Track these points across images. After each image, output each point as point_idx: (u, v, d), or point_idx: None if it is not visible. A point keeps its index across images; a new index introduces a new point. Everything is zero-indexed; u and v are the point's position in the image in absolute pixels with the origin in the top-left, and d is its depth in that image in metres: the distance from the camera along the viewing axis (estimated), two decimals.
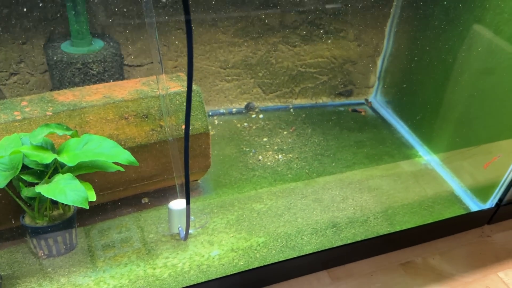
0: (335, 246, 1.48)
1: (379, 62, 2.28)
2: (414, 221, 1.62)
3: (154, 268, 1.39)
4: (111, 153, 1.23)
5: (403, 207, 1.68)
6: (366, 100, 2.36)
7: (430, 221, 1.62)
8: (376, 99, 2.37)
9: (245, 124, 2.15)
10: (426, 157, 1.99)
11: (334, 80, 2.29)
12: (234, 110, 2.26)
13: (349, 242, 1.50)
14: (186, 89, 1.00)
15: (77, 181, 1.17)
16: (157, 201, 1.67)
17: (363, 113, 2.25)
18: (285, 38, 2.11)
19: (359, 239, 1.52)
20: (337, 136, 2.08)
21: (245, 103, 2.27)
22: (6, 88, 1.85)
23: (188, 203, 1.29)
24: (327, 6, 2.04)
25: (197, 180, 1.77)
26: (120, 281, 1.34)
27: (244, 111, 2.25)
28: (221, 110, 2.24)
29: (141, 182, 1.57)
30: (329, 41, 2.14)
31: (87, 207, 1.16)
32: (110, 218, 1.57)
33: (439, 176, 1.88)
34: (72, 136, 1.27)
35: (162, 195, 1.68)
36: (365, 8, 2.08)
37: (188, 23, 0.83)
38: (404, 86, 2.19)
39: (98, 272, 1.37)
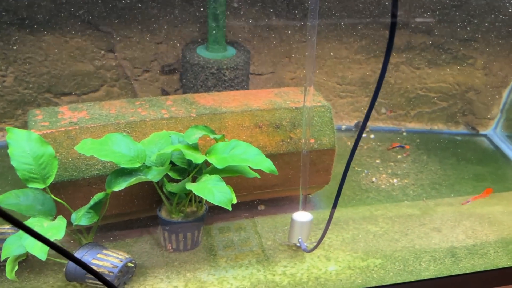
0: (453, 274, 1.52)
1: (505, 94, 2.28)
2: None
3: (274, 275, 1.50)
4: (255, 160, 1.35)
5: None
6: (473, 128, 2.35)
7: None
8: (496, 132, 2.36)
9: None
10: None
11: (453, 108, 2.31)
12: (343, 127, 2.34)
13: (468, 272, 1.53)
14: (368, 107, 1.08)
15: (223, 183, 1.30)
16: (272, 209, 1.78)
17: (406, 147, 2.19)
18: (409, 59, 2.17)
19: (478, 270, 1.54)
20: (455, 166, 2.10)
21: (355, 121, 2.34)
22: (137, 84, 2.05)
23: (330, 218, 1.38)
24: (459, 31, 2.07)
25: (310, 194, 1.87)
26: (242, 282, 1.45)
27: (353, 129, 2.32)
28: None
29: (264, 190, 1.68)
30: (455, 67, 2.17)
31: (230, 209, 1.28)
32: (229, 220, 1.70)
33: None
34: (219, 140, 1.40)
35: (277, 204, 1.79)
36: (499, 37, 2.09)
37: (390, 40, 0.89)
38: None
39: (221, 271, 1.49)
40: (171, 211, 1.45)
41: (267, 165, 1.35)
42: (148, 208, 1.54)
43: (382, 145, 2.21)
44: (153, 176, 1.28)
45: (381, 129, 2.34)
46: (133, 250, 1.51)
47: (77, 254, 1.30)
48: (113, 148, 1.24)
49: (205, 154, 1.35)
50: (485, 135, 2.36)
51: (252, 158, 1.34)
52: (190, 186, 1.27)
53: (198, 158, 1.28)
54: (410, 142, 2.25)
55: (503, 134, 2.33)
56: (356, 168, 2.04)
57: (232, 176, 1.38)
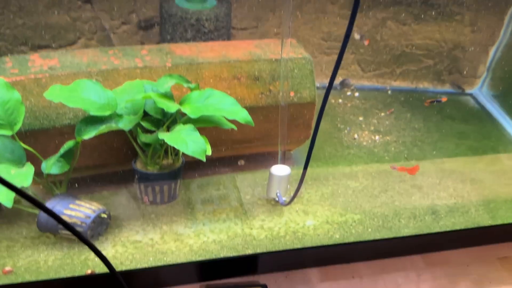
0: (433, 232, 1.52)
1: (491, 52, 2.25)
2: None
3: (251, 228, 1.49)
4: (230, 110, 1.32)
5: (506, 202, 1.68)
6: (459, 86, 2.33)
7: None
8: (481, 91, 2.34)
9: (340, 100, 2.20)
10: None
11: (440, 66, 2.28)
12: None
13: (448, 230, 1.53)
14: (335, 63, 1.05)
15: (197, 133, 1.27)
16: (252, 165, 1.76)
17: (443, 100, 2.18)
18: (395, 14, 2.12)
19: (459, 228, 1.54)
20: (438, 124, 2.08)
21: (341, 79, 2.31)
22: (116, 37, 2.00)
23: (305, 167, 1.36)
24: None
25: (290, 150, 1.85)
26: (219, 236, 1.45)
27: (338, 88, 2.29)
28: (316, 84, 2.30)
29: (243, 144, 1.66)
30: (443, 23, 2.13)
31: (204, 160, 1.25)
32: (208, 175, 1.68)
33: None
34: (193, 89, 1.37)
35: (257, 160, 1.77)
36: None
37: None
38: None
39: (198, 224, 1.48)
40: (146, 163, 1.43)
41: (243, 116, 1.32)
42: (123, 161, 1.51)
43: (366, 103, 2.19)
44: (124, 124, 1.24)
45: (366, 87, 2.31)
46: (108, 203, 1.50)
47: (49, 204, 1.28)
48: (83, 95, 1.21)
49: (179, 104, 1.32)
50: (470, 94, 2.35)
51: (227, 108, 1.32)
52: (162, 135, 1.24)
53: (171, 107, 1.25)
54: (394, 100, 2.23)
55: (488, 93, 2.31)
56: (338, 125, 2.03)
57: (207, 127, 1.35)
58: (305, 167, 1.33)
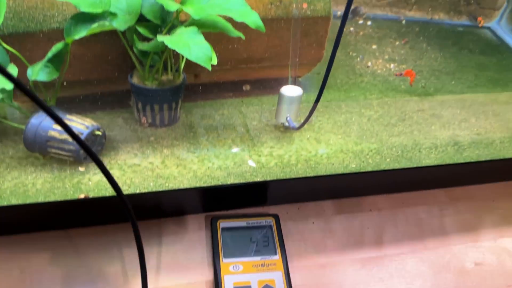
0: (457, 162, 1.41)
1: None
2: None
3: (260, 155, 1.36)
4: (239, 11, 1.15)
5: None
6: (477, 19, 2.18)
7: None
8: (500, 25, 2.19)
9: (351, 29, 2.04)
10: None
11: None
12: (338, 13, 2.14)
13: (472, 161, 1.42)
14: None
15: (201, 36, 1.11)
16: (258, 91, 1.62)
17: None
18: None
19: (484, 160, 1.43)
20: (456, 55, 1.94)
21: (352, 7, 2.14)
22: None
23: (324, 82, 1.22)
24: None
25: (299, 76, 1.70)
26: (225, 162, 1.31)
27: (350, 16, 2.12)
28: None
29: (249, 64, 1.51)
30: None
31: (210, 68, 1.10)
32: (211, 99, 1.53)
33: None
34: None
35: (264, 85, 1.62)
36: None
37: None
38: None
39: (201, 149, 1.34)
40: (143, 77, 1.27)
41: (253, 19, 1.16)
42: (119, 77, 1.35)
43: (379, 32, 2.03)
44: (119, 23, 1.08)
45: (378, 16, 2.15)
46: (103, 124, 1.34)
47: (35, 119, 1.12)
48: None
49: (180, 4, 1.15)
50: (488, 28, 2.20)
51: (235, 8, 1.15)
52: (162, 38, 1.07)
53: (171, 5, 1.08)
54: (409, 31, 2.07)
55: (508, 27, 2.16)
56: (350, 53, 1.87)
57: (212, 32, 1.19)
58: (322, 87, 1.19)
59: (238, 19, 1.15)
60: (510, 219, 1.36)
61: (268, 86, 1.63)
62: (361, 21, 2.08)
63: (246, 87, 1.62)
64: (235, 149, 1.34)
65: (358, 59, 1.84)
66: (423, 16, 2.16)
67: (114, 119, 1.37)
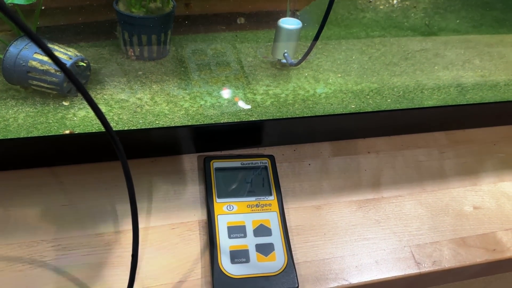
0: (459, 104, 1.37)
1: None
2: None
3: (255, 94, 1.31)
4: None
5: None
6: None
7: None
8: None
9: None
10: None
11: None
12: None
13: (475, 103, 1.39)
14: None
15: None
16: (253, 24, 1.54)
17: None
18: None
19: (487, 101, 1.40)
20: None
21: None
22: None
23: (327, 14, 1.16)
24: None
25: (297, 10, 1.62)
26: (218, 100, 1.26)
27: None
28: None
29: None
30: None
31: None
32: (202, 32, 1.46)
33: None
34: None
35: (260, 19, 1.54)
36: None
37: None
38: None
39: (193, 86, 1.29)
40: (130, 4, 1.20)
41: None
42: (105, 4, 1.27)
43: None
44: None
45: None
46: (88, 55, 1.27)
47: (14, 47, 1.05)
48: None
49: None
50: None
51: None
52: None
53: None
54: None
55: None
56: None
57: None
58: (323, 22, 1.12)
59: None
60: (511, 163, 1.35)
61: (264, 19, 1.55)
62: None
63: (241, 20, 1.54)
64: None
65: None
66: None
67: (99, 51, 1.30)
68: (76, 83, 0.62)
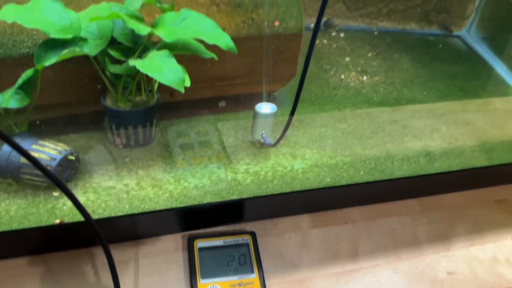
0: (428, 173, 1.43)
1: None
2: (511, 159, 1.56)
3: (236, 173, 1.37)
4: (211, 34, 1.16)
5: (501, 144, 1.60)
6: (447, 28, 2.22)
7: None
8: (469, 33, 2.23)
9: (325, 41, 2.06)
10: None
11: (427, 5, 2.15)
12: (311, 25, 2.16)
13: (443, 171, 1.45)
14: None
15: (174, 60, 1.11)
16: (234, 107, 1.63)
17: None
18: None
19: (454, 169, 1.46)
20: (427, 65, 1.98)
21: (325, 19, 2.16)
22: None
23: (297, 98, 1.24)
24: None
25: (274, 91, 1.71)
26: (201, 181, 1.32)
27: (323, 28, 2.15)
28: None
29: (223, 82, 1.51)
30: None
31: (183, 91, 1.10)
32: (186, 117, 1.54)
33: None
34: (166, 10, 1.20)
35: (239, 101, 1.63)
36: None
37: None
38: (507, 22, 2.06)
39: (177, 169, 1.35)
40: (117, 99, 1.27)
41: (225, 41, 1.17)
42: (92, 99, 1.35)
43: (352, 44, 2.06)
44: (90, 49, 1.08)
45: (351, 28, 2.17)
46: (76, 146, 1.34)
47: (7, 146, 1.12)
48: (42, 15, 1.03)
49: (152, 27, 1.16)
50: (458, 36, 2.24)
51: (207, 31, 1.16)
52: (134, 62, 1.08)
53: (142, 28, 1.09)
54: (381, 41, 2.10)
55: (477, 35, 2.21)
56: (324, 66, 1.89)
57: (186, 54, 1.20)
58: (295, 103, 1.20)
59: (209, 41, 1.16)
60: (481, 227, 1.39)
61: (244, 101, 1.64)
62: (334, 33, 2.11)
63: (222, 104, 1.63)
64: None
65: (332, 71, 1.86)
66: (395, 26, 2.20)
67: (88, 141, 1.37)
68: (55, 181, 0.67)
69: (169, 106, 1.51)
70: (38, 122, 1.32)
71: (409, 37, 2.17)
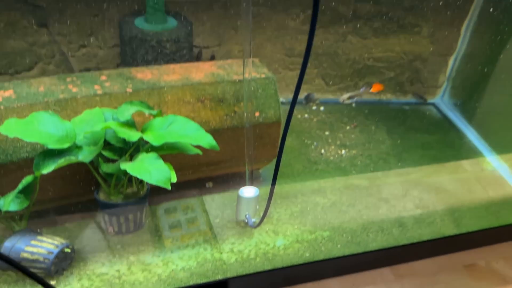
0: (400, 244, 1.53)
1: (450, 62, 2.29)
2: (480, 225, 1.66)
3: (221, 253, 1.46)
4: (195, 136, 1.29)
5: (470, 211, 1.71)
6: (421, 96, 2.37)
7: (496, 225, 1.66)
8: (443, 100, 2.38)
9: (306, 115, 2.20)
10: (495, 163, 2.00)
11: (401, 77, 2.31)
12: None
13: (415, 241, 1.55)
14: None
15: (161, 161, 1.24)
16: (220, 187, 1.74)
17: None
18: (356, 29, 2.14)
19: (425, 239, 1.56)
20: (403, 135, 2.11)
21: (305, 94, 2.31)
22: (75, 60, 1.95)
23: (272, 191, 1.35)
24: None
25: (259, 169, 1.83)
26: (188, 262, 1.41)
27: (304, 102, 2.29)
28: (281, 99, 2.29)
29: (210, 167, 1.63)
30: (402, 35, 2.16)
31: (169, 188, 1.22)
32: (175, 199, 1.65)
33: (506, 183, 1.90)
34: (156, 116, 1.34)
35: (226, 181, 1.75)
36: (444, 5, 2.09)
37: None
38: (476, 89, 2.20)
39: (166, 252, 1.44)
40: (109, 193, 1.39)
41: (208, 141, 1.30)
42: (87, 191, 1.47)
43: (331, 117, 2.20)
44: (85, 156, 1.20)
45: (330, 101, 2.32)
46: (72, 235, 1.45)
47: (8, 242, 1.23)
48: (40, 128, 1.16)
49: (141, 131, 1.29)
50: (432, 104, 2.38)
51: (191, 134, 1.29)
52: (125, 165, 1.20)
53: (132, 135, 1.22)
54: (359, 113, 2.24)
55: (450, 102, 2.35)
56: (305, 141, 2.02)
57: (172, 153, 1.33)
58: (272, 189, 1.31)
59: (194, 142, 1.29)
60: None
61: (230, 180, 1.76)
62: (314, 107, 2.25)
63: (209, 184, 1.74)
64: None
65: (313, 146, 1.99)
66: (371, 97, 2.35)
67: (82, 230, 1.47)
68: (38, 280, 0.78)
69: (159, 189, 1.63)
70: (37, 213, 1.43)
71: (385, 108, 2.31)
